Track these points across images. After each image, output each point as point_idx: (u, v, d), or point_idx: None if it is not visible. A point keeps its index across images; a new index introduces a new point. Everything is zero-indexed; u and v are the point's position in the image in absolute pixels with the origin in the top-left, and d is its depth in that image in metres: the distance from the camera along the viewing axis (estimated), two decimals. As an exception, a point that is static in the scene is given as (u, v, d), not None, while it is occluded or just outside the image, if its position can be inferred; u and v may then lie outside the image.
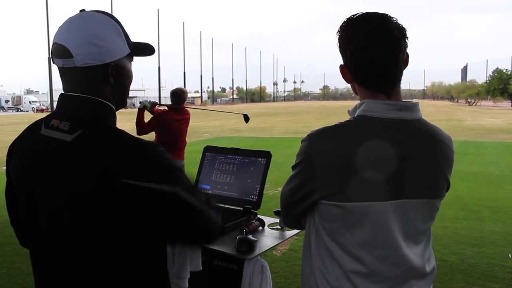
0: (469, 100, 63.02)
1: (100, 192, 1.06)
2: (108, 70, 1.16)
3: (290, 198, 1.38)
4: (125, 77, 1.22)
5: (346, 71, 1.33)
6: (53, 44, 1.16)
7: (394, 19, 1.28)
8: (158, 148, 1.13)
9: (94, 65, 1.13)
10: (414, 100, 1.34)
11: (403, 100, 1.31)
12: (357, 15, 1.30)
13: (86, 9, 1.19)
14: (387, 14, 1.29)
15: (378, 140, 1.25)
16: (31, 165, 1.17)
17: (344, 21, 1.31)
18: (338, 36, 1.32)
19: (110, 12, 1.23)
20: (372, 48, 1.25)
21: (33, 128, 1.22)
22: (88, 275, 1.13)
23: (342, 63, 1.33)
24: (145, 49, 1.27)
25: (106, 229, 1.09)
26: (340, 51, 1.32)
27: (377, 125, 1.27)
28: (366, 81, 1.31)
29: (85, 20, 1.14)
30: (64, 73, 1.16)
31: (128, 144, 1.11)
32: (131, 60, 1.25)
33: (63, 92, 1.18)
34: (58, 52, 1.14)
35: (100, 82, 1.16)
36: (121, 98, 1.24)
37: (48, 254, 1.18)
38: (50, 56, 1.19)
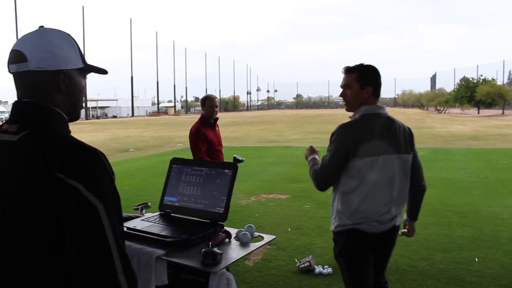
0: (438, 107, 64.39)
1: (34, 186, 1.06)
2: (60, 77, 1.21)
3: (332, 161, 2.41)
4: (76, 90, 1.27)
5: (373, 90, 2.47)
6: (10, 52, 1.21)
7: None
8: (101, 157, 1.13)
9: (46, 70, 1.18)
10: (386, 108, 2.51)
11: (380, 104, 2.54)
12: (371, 66, 2.52)
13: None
14: None
15: (377, 123, 2.45)
16: None
17: (367, 68, 2.50)
18: (368, 70, 2.50)
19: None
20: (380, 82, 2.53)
21: None
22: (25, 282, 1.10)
23: (369, 86, 2.46)
24: (99, 69, 1.35)
25: (40, 227, 1.07)
26: (372, 80, 2.48)
27: (377, 116, 2.47)
28: (378, 94, 2.51)
29: (43, 32, 1.23)
30: (18, 78, 1.21)
31: (70, 145, 1.13)
32: (84, 77, 1.30)
33: (17, 99, 1.22)
34: (14, 58, 1.20)
35: (52, 89, 1.20)
36: (73, 109, 1.27)
37: None
38: (7, 64, 1.22)
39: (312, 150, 2.75)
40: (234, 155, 4.48)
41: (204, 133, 4.58)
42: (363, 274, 2.47)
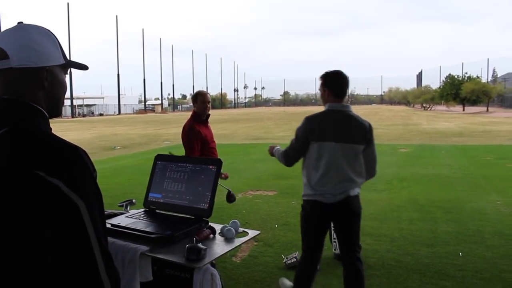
0: (424, 104, 64.87)
1: (14, 184, 1.05)
2: (43, 74, 1.18)
3: (296, 144, 3.12)
4: (59, 86, 1.25)
5: (329, 91, 3.09)
6: None
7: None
8: (82, 155, 1.12)
9: (29, 67, 1.16)
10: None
11: (345, 103, 3.12)
12: (331, 72, 3.14)
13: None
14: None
15: (334, 117, 3.05)
16: None
17: (326, 75, 3.14)
18: (326, 76, 3.13)
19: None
20: (345, 84, 3.12)
21: None
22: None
23: (325, 89, 3.10)
24: (80, 65, 1.33)
25: (20, 226, 1.05)
26: (329, 83, 3.10)
27: (339, 112, 3.06)
28: (338, 95, 3.10)
29: (23, 28, 1.20)
30: None
31: (51, 143, 1.11)
32: (66, 72, 1.29)
33: None
34: None
35: (34, 86, 1.18)
36: (54, 106, 1.25)
37: None
38: None
39: (272, 147, 3.53)
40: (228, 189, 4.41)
41: (199, 130, 4.41)
42: (319, 231, 3.21)
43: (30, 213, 1.04)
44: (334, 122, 3.04)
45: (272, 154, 3.49)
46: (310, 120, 3.09)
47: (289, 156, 3.22)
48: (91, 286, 1.06)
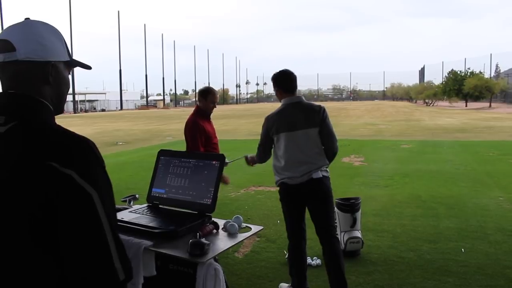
0: (426, 100, 64.67)
1: (26, 177, 1.05)
2: (48, 69, 1.19)
3: (262, 141, 3.59)
4: (62, 83, 1.26)
5: (280, 89, 3.53)
6: None
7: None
8: (92, 146, 1.13)
9: (35, 60, 1.17)
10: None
11: (298, 95, 3.55)
12: (278, 72, 3.58)
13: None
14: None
15: (288, 110, 3.46)
16: None
17: (274, 76, 3.58)
18: (274, 77, 3.57)
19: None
20: (292, 80, 3.53)
21: None
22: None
23: (276, 88, 3.56)
24: (84, 64, 1.35)
25: (34, 218, 1.05)
26: (278, 82, 3.54)
27: (291, 105, 3.47)
28: (288, 90, 3.51)
29: (30, 24, 1.22)
30: (4, 69, 1.18)
31: (61, 134, 1.12)
32: (70, 70, 1.30)
33: (1, 91, 1.20)
34: (0, 47, 1.16)
35: (40, 81, 1.19)
36: (58, 102, 1.26)
37: None
38: None
39: (250, 158, 3.92)
40: (245, 155, 4.15)
41: (202, 126, 4.36)
42: (294, 213, 3.60)
43: (44, 204, 1.04)
44: (287, 115, 3.45)
45: (253, 162, 3.87)
46: (268, 118, 3.54)
47: (260, 152, 3.68)
48: (105, 275, 1.07)
